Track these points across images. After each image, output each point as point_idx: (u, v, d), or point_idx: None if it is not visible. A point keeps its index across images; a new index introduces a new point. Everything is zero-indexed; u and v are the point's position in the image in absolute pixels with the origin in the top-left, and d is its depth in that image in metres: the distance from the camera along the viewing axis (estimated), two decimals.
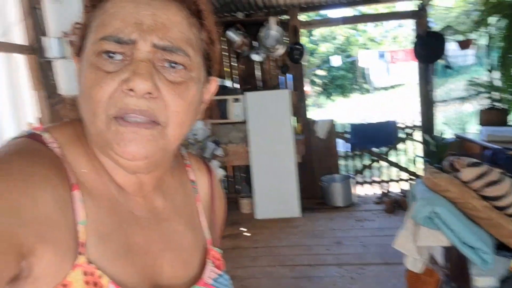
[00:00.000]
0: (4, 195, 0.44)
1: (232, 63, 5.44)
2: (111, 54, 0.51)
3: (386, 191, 5.25)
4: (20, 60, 2.74)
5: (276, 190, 4.66)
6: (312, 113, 9.56)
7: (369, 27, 15.87)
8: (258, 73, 5.48)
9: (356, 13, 7.75)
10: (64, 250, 0.49)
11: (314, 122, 5.45)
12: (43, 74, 2.79)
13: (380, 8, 10.16)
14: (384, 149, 5.54)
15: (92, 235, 0.52)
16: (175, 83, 0.53)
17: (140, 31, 0.51)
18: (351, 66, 15.94)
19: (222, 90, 4.93)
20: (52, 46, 2.71)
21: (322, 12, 7.83)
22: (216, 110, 4.63)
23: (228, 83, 5.19)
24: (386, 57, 12.60)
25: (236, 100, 4.72)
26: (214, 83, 0.65)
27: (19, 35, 2.72)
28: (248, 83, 5.40)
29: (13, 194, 0.45)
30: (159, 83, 0.52)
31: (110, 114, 0.51)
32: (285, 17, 5.34)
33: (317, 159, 5.45)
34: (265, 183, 4.67)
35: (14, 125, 2.65)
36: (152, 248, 0.60)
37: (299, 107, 5.29)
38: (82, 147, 0.57)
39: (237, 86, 5.34)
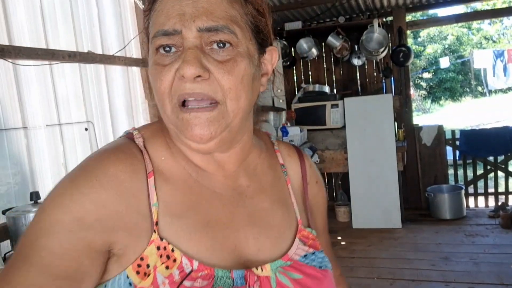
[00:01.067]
0: (69, 207, 0.53)
1: (330, 68, 5.39)
2: (167, 49, 0.56)
3: (502, 204, 4.74)
4: (136, 72, 3.04)
5: (375, 199, 4.49)
6: (416, 119, 9.04)
7: (484, 24, 14.54)
8: (358, 77, 5.35)
9: (469, 11, 7.15)
10: (138, 231, 0.56)
11: (419, 128, 5.16)
12: None
13: (498, 3, 9.25)
14: (500, 157, 5.02)
15: (165, 214, 0.58)
16: (223, 62, 0.56)
17: (183, 21, 0.55)
18: (462, 67, 14.75)
19: (320, 95, 4.91)
20: None
21: (431, 11, 7.38)
22: (312, 116, 4.63)
23: (327, 88, 5.15)
24: (505, 56, 11.40)
25: (335, 106, 4.65)
26: (274, 53, 0.66)
27: (134, 49, 3.01)
28: (348, 88, 5.30)
29: (76, 203, 0.53)
30: (208, 65, 0.55)
31: (174, 104, 0.56)
32: (389, 18, 5.16)
33: (421, 168, 5.14)
34: (364, 191, 4.52)
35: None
36: (234, 223, 0.62)
37: (402, 112, 5.05)
38: (163, 138, 0.64)
39: (336, 91, 5.28)
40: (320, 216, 0.77)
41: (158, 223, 0.57)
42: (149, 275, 0.55)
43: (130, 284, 0.54)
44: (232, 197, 0.64)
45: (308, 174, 0.75)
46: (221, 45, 0.56)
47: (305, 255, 0.66)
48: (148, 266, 0.55)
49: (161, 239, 0.56)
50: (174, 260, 0.56)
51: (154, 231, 0.56)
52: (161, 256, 0.56)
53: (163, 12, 0.56)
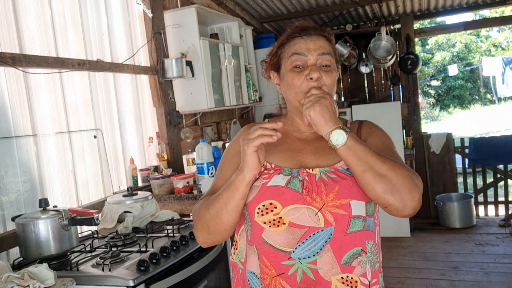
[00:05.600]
0: (232, 147, 1.20)
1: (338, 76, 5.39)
2: (299, 67, 1.11)
3: None
4: (144, 80, 3.05)
5: None
6: (424, 126, 8.97)
7: (493, 32, 14.44)
8: (366, 85, 5.34)
9: (477, 18, 7.11)
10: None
11: (428, 136, 5.12)
12: (163, 92, 3.07)
13: (507, 11, 9.20)
14: (510, 165, 4.96)
15: (268, 146, 1.09)
16: (327, 72, 1.11)
17: (309, 51, 1.11)
18: (471, 75, 14.67)
19: None
20: (172, 67, 2.96)
21: (439, 19, 7.34)
22: None
23: (334, 96, 5.14)
24: None
25: (342, 113, 4.64)
26: (339, 70, 1.23)
27: (143, 57, 3.03)
28: (356, 96, 5.29)
29: (234, 144, 1.19)
30: (321, 73, 1.09)
31: (302, 94, 1.09)
32: (397, 26, 5.15)
33: (430, 176, 5.10)
34: None
35: (136, 137, 2.95)
36: (303, 151, 1.15)
37: (410, 120, 5.02)
38: (285, 115, 1.26)
39: (344, 99, 5.26)
40: (376, 138, 1.17)
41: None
42: None
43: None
44: (307, 142, 1.17)
45: (363, 129, 1.20)
46: (326, 63, 1.11)
47: (347, 168, 1.06)
48: None
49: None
50: (263, 165, 1.10)
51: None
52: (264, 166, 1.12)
53: (299, 46, 1.12)
